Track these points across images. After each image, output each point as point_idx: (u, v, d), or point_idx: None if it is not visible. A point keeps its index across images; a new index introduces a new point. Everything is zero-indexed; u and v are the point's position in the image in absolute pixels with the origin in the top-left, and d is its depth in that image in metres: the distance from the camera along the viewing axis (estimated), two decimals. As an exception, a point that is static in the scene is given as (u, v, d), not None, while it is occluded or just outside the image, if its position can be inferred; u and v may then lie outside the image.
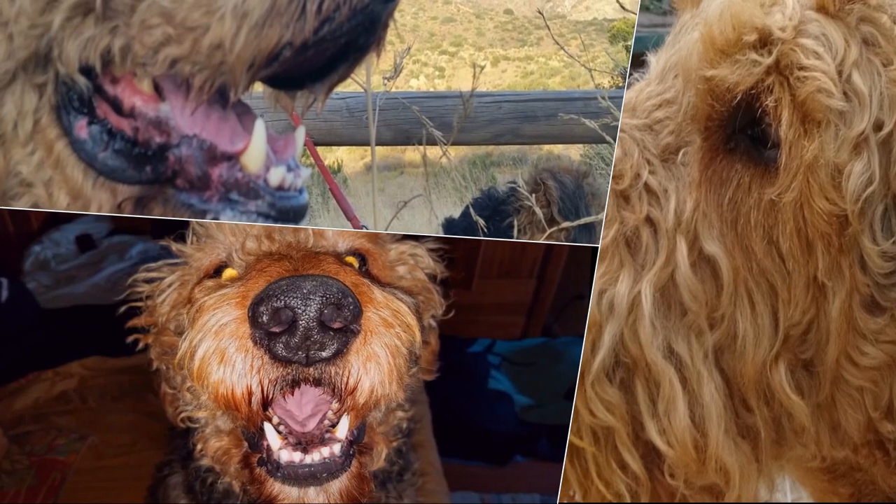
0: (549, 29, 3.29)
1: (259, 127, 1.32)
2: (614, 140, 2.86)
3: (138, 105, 1.29)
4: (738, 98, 1.13)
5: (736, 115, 1.15)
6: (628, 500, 1.19)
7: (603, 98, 2.71)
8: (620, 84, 3.33)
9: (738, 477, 1.17)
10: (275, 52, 1.22)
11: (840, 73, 1.07)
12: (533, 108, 3.56)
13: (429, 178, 2.85)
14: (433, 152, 2.94)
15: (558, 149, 3.70)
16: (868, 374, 1.14)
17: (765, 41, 1.10)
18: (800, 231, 1.11)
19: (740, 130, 1.15)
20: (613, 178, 1.20)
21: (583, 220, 2.50)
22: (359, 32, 1.26)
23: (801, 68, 1.07)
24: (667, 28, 1.31)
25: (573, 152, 3.63)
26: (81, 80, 1.26)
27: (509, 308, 3.39)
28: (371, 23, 1.26)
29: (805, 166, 1.08)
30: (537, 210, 2.48)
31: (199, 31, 1.21)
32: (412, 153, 3.41)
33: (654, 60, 1.26)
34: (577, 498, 1.24)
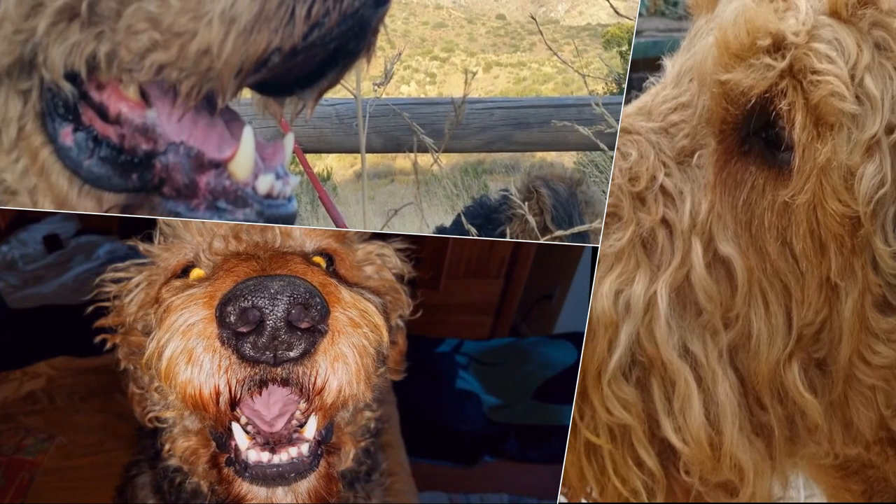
0: (542, 34, 3.33)
1: (247, 134, 1.33)
2: (609, 147, 2.91)
3: (124, 112, 1.30)
4: (753, 101, 1.18)
5: (750, 118, 1.20)
6: (644, 497, 1.24)
7: (597, 104, 2.74)
8: (615, 90, 3.37)
9: (752, 474, 1.22)
10: (263, 57, 1.23)
11: (852, 76, 1.13)
12: (526, 115, 3.60)
13: (420, 186, 2.87)
14: (424, 160, 2.97)
15: (551, 156, 3.73)
16: (880, 372, 1.20)
17: (779, 45, 1.16)
18: (813, 232, 1.16)
19: (754, 133, 1.21)
20: (629, 179, 1.24)
21: (576, 229, 2.53)
22: (349, 38, 1.27)
23: (815, 72, 1.13)
24: (682, 33, 1.37)
25: (566, 160, 3.66)
26: (66, 87, 1.27)
27: (477, 308, 3.44)
28: (361, 28, 1.27)
29: (818, 169, 1.13)
30: (530, 218, 2.50)
31: (186, 36, 1.22)
32: (403, 161, 3.44)
33: (670, 64, 1.32)
34: (595, 495, 1.29)
